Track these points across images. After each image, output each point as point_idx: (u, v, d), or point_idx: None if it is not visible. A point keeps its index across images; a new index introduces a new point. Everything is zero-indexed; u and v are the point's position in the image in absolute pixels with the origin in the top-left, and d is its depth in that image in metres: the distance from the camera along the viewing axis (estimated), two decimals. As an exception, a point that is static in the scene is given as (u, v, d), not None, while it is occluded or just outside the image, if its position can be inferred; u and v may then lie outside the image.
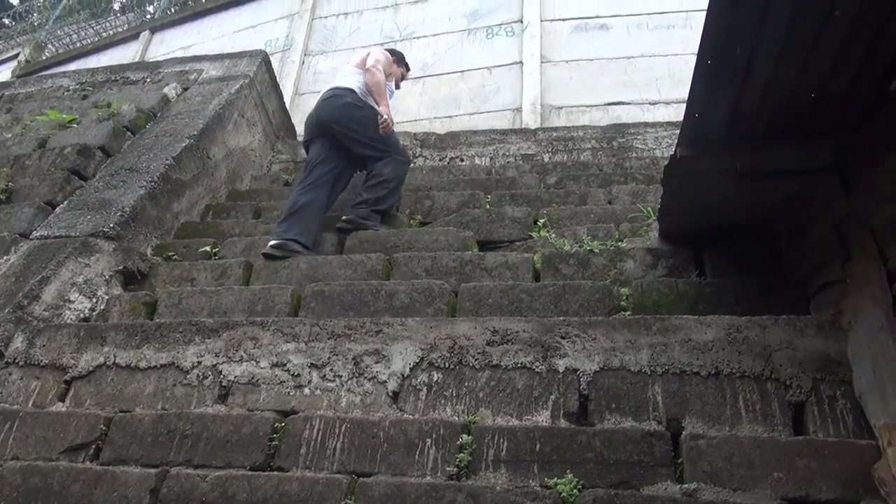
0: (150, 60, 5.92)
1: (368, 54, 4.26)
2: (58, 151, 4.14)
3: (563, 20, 6.19)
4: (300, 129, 6.12)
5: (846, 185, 2.37)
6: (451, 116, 5.90)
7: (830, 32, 1.89)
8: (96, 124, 4.40)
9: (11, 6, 24.80)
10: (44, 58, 9.46)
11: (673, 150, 4.66)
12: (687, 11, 5.98)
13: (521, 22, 6.25)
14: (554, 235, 3.49)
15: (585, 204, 3.93)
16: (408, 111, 6.06)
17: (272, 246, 3.48)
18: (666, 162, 4.45)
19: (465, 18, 6.52)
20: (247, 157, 4.93)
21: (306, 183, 3.85)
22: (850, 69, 2.03)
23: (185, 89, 5.01)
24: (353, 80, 4.17)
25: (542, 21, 6.19)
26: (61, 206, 3.80)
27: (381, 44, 6.56)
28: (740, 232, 2.98)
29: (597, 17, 6.13)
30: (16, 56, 9.56)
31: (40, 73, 6.04)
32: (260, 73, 5.12)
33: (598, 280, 2.98)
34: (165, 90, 4.87)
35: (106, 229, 3.52)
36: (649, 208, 3.57)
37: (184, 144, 4.22)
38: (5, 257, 3.45)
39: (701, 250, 3.08)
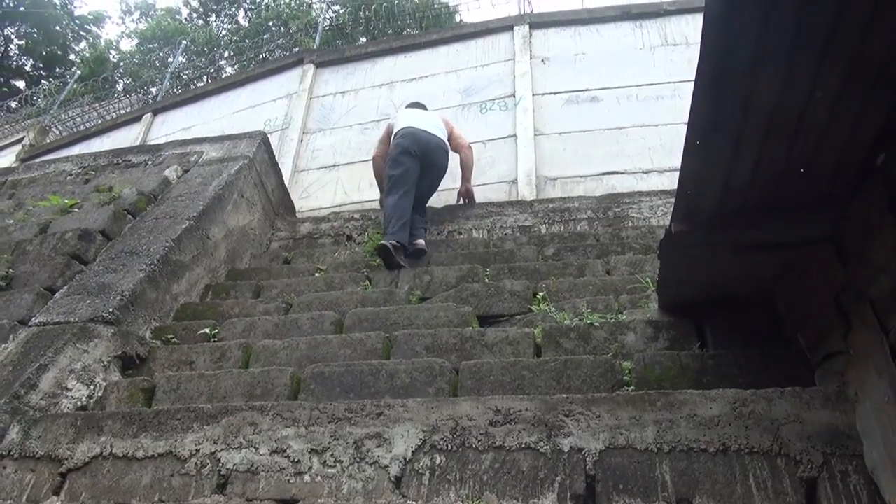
0: (152, 143, 6.04)
1: (453, 127, 5.49)
2: (59, 236, 4.18)
3: (555, 94, 6.36)
4: (300, 204, 6.22)
5: (842, 256, 2.38)
6: (447, 189, 5.94)
7: (814, 112, 1.94)
8: (97, 208, 4.46)
9: (19, 90, 25.53)
10: (48, 141, 9.66)
11: (668, 217, 4.73)
12: (675, 83, 6.15)
13: (514, 96, 6.42)
14: (554, 309, 3.48)
15: (584, 275, 3.94)
16: (405, 185, 6.15)
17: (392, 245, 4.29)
18: (662, 230, 4.50)
19: (459, 94, 6.69)
20: (246, 235, 4.97)
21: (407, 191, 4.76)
22: (836, 145, 2.07)
23: (186, 171, 5.10)
24: (443, 136, 5.23)
25: (534, 95, 6.36)
26: (61, 291, 3.81)
27: (377, 121, 6.74)
28: (740, 301, 2.98)
29: (587, 89, 6.30)
30: (20, 140, 9.77)
31: (44, 158, 6.14)
32: (259, 153, 5.22)
33: (600, 354, 2.97)
34: (166, 172, 4.95)
35: (105, 314, 3.52)
36: (648, 279, 3.59)
37: (184, 226, 4.26)
38: (3, 345, 3.43)
39: (702, 321, 3.07)
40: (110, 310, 3.55)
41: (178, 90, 14.27)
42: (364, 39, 18.00)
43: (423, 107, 5.75)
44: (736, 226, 2.39)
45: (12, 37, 24.99)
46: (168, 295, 4.05)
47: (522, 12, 7.47)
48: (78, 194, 4.88)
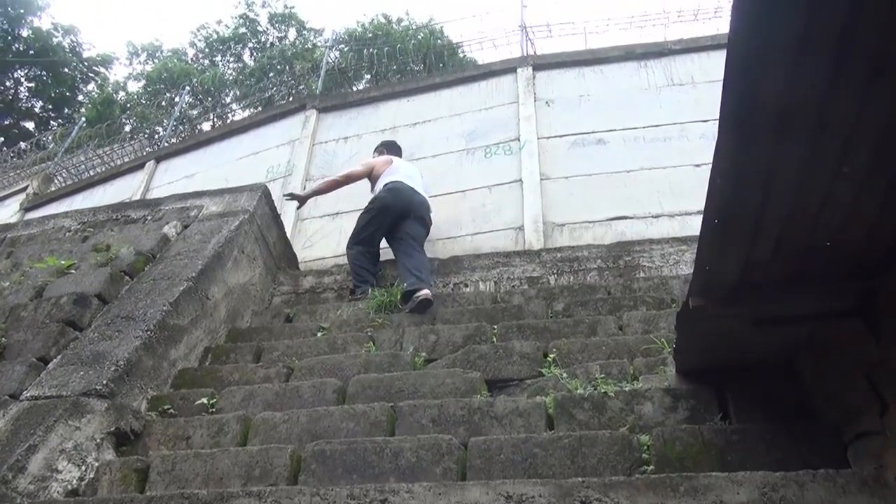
0: (154, 193, 5.98)
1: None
2: (54, 301, 4.07)
3: (560, 136, 6.27)
4: (303, 254, 6.11)
5: (873, 330, 2.23)
6: (453, 238, 5.86)
7: (840, 188, 1.81)
8: (94, 270, 4.36)
9: (29, 131, 25.79)
10: (52, 189, 9.64)
11: (680, 267, 4.58)
12: (682, 123, 6.05)
13: (519, 140, 6.32)
14: (565, 374, 3.33)
15: (596, 334, 3.79)
16: (410, 234, 6.04)
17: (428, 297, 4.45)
18: (674, 281, 4.36)
19: (462, 139, 6.61)
20: (247, 292, 4.85)
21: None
22: (864, 220, 1.93)
23: (186, 226, 5.00)
24: (426, 193, 5.60)
25: (539, 139, 6.26)
26: (55, 361, 3.68)
27: (381, 167, 6.65)
28: (763, 367, 2.83)
29: (593, 132, 6.20)
30: (24, 188, 9.75)
31: (44, 213, 6.07)
32: (260, 206, 5.13)
33: (616, 427, 2.81)
34: (165, 229, 4.86)
35: (98, 386, 3.38)
36: (663, 339, 3.44)
37: (182, 288, 4.14)
38: (-7, 422, 3.30)
39: (722, 388, 2.91)
40: (104, 382, 3.42)
41: (184, 131, 14.34)
42: (368, 76, 18.17)
43: (399, 150, 6.14)
44: (757, 299, 2.25)
45: (22, 80, 25.34)
46: (165, 361, 3.92)
47: (525, 54, 7.43)
48: (75, 254, 4.79)
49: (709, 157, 5.87)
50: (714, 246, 2.01)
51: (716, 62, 6.45)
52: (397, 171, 5.55)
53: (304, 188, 6.77)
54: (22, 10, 23.03)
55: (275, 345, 4.22)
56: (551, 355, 3.57)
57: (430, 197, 6.20)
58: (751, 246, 2.01)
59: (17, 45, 23.88)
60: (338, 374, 3.70)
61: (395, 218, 5.25)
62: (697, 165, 5.69)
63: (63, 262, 4.51)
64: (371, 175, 5.68)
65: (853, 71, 1.48)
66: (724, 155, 1.73)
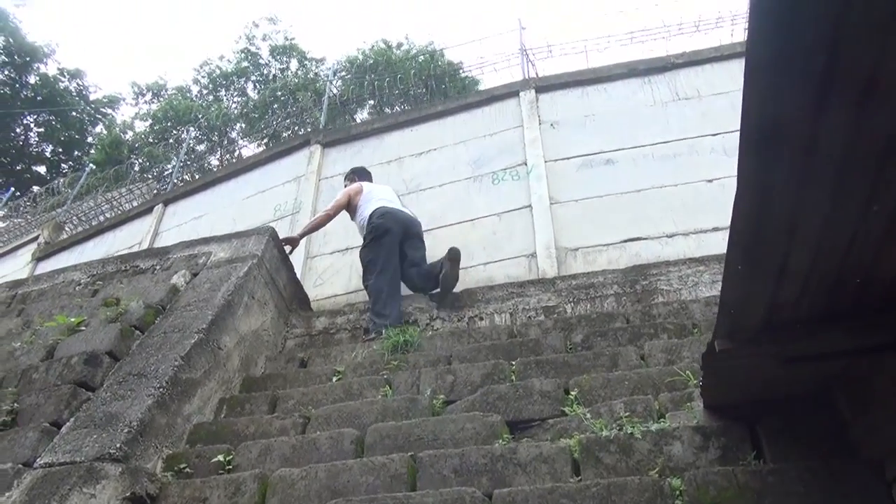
0: (159, 246, 5.93)
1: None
2: (65, 362, 4.02)
3: (567, 159, 6.18)
4: (315, 292, 6.05)
5: (913, 365, 2.12)
6: (465, 268, 5.74)
7: (870, 226, 1.71)
8: (104, 326, 4.30)
9: (41, 175, 26.09)
10: (63, 237, 9.67)
11: (699, 289, 4.47)
12: (690, 138, 5.96)
13: (526, 164, 6.25)
14: (588, 414, 3.22)
15: (617, 367, 3.68)
16: (421, 266, 5.96)
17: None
18: (694, 304, 4.24)
19: (469, 166, 6.54)
20: (259, 338, 4.78)
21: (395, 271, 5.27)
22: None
23: (195, 275, 4.95)
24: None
25: (546, 161, 6.19)
26: (67, 424, 3.61)
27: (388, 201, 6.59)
28: (796, 400, 2.71)
29: (600, 152, 6.12)
30: (36, 238, 9.79)
31: (53, 269, 6.04)
32: (268, 250, 5.07)
33: (645, 471, 2.69)
34: (174, 279, 4.81)
35: (112, 450, 3.31)
36: (688, 372, 3.32)
37: (193, 341, 4.08)
38: (7, 494, 3.23)
39: (754, 424, 2.79)
40: (118, 445, 3.35)
41: (192, 165, 14.43)
42: (371, 102, 18.24)
43: (370, 175, 6.21)
44: (786, 339, 2.15)
45: (31, 125, 25.69)
46: (179, 417, 3.84)
47: (527, 76, 7.37)
48: (85, 309, 4.74)
49: (720, 171, 5.82)
50: (738, 290, 1.91)
51: (720, 74, 6.37)
52: (374, 197, 5.67)
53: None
54: (28, 58, 23.39)
55: (290, 393, 4.13)
56: (573, 392, 3.46)
57: (439, 228, 6.16)
58: (776, 288, 1.91)
59: (25, 92, 24.24)
60: (355, 423, 3.61)
61: (398, 241, 5.39)
62: (709, 181, 5.59)
63: (73, 320, 4.46)
64: (349, 204, 5.73)
65: (883, 102, 1.39)
66: (746, 197, 1.64)
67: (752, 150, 1.53)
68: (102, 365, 4.00)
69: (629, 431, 2.95)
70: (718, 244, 5.15)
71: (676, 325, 4.01)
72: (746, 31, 1.28)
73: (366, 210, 5.54)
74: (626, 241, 5.47)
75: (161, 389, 3.74)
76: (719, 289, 4.46)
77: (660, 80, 6.55)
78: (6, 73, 23.69)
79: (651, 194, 5.69)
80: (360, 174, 6.15)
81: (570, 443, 2.98)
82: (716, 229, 5.27)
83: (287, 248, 5.51)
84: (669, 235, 5.38)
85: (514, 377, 3.81)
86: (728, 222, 5.00)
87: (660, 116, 6.24)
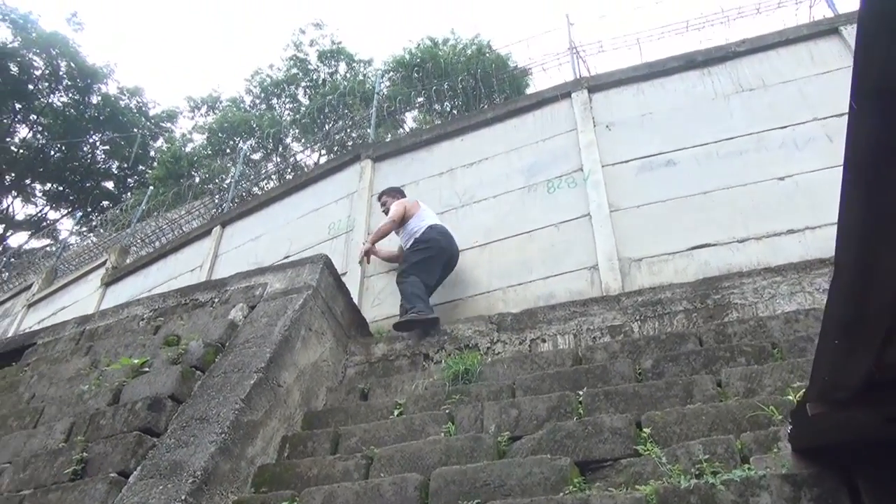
0: (217, 278, 5.94)
1: None
2: (129, 407, 4.04)
3: (626, 162, 5.91)
4: (373, 313, 5.98)
5: None
6: (523, 283, 5.59)
7: None
8: (166, 368, 4.32)
9: (109, 191, 27.08)
10: (129, 261, 9.93)
11: (777, 302, 4.18)
12: (757, 133, 5.60)
13: (582, 170, 6.00)
14: (664, 457, 3.01)
15: (692, 398, 3.46)
16: (478, 282, 5.81)
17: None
18: (773, 321, 3.96)
19: (522, 175, 6.33)
20: (319, 370, 4.73)
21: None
22: None
23: (252, 307, 4.94)
24: None
25: (603, 166, 5.93)
26: (134, 474, 3.62)
27: (441, 213, 6.47)
28: (899, 445, 2.45)
29: (660, 153, 5.82)
30: (104, 263, 10.08)
31: (117, 304, 6.15)
32: (323, 279, 5.01)
33: (731, 529, 2.48)
34: (232, 314, 4.80)
35: (178, 503, 3.30)
36: (771, 407, 3.08)
37: (252, 381, 4.05)
38: (79, 551, 3.26)
39: (851, 470, 2.54)
40: (183, 497, 3.33)
41: (249, 176, 14.63)
42: (420, 100, 18.13)
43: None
44: (890, 400, 1.92)
45: (97, 143, 26.62)
46: (243, 461, 3.81)
47: (578, 76, 7.09)
48: (148, 348, 4.79)
49: (792, 166, 5.44)
50: (834, 359, 1.70)
51: (787, 60, 5.98)
52: (431, 214, 5.99)
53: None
54: (89, 80, 24.21)
55: (352, 430, 4.06)
56: (646, 430, 3.26)
57: (495, 241, 6.01)
58: (879, 355, 1.68)
59: (89, 112, 25.12)
60: (419, 465, 3.51)
61: (446, 262, 5.73)
62: (781, 178, 5.24)
63: (137, 361, 4.51)
64: (404, 216, 5.92)
65: None
66: (845, 276, 1.42)
67: (861, 181, 1.31)
68: (165, 409, 4.01)
69: (710, 481, 2.74)
70: (794, 249, 4.83)
71: (754, 348, 3.75)
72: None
73: (422, 222, 5.82)
74: (693, 248, 5.18)
75: (223, 435, 3.71)
76: (799, 302, 4.19)
77: (720, 70, 6.19)
78: (70, 95, 24.61)
79: (717, 196, 5.37)
80: (399, 192, 6.39)
81: (646, 492, 2.79)
82: (790, 232, 4.93)
83: (368, 259, 5.96)
84: (740, 241, 5.06)
85: (581, 411, 3.63)
86: (804, 223, 4.66)
87: (722, 110, 5.89)
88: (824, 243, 4.73)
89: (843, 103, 4.76)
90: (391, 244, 6.22)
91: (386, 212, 6.18)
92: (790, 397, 3.16)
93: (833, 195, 5.08)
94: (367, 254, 5.92)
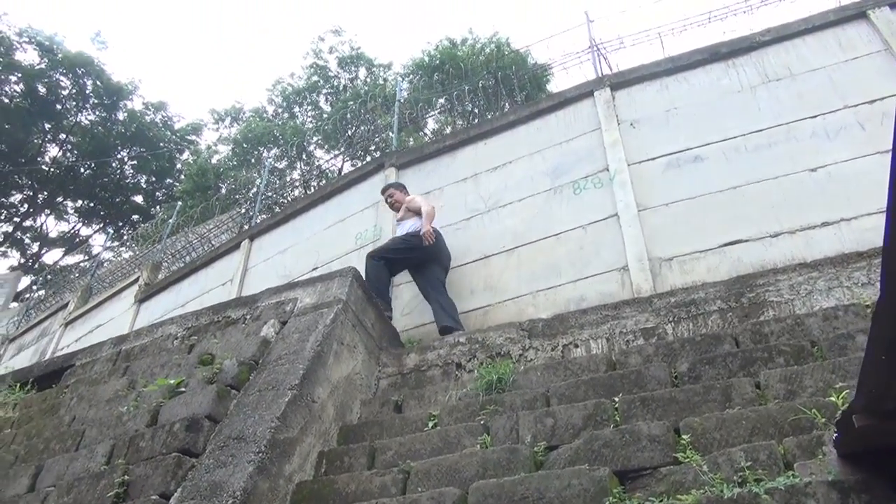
0: (248, 294, 6.00)
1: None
2: (168, 429, 4.09)
3: (652, 160, 5.83)
4: (403, 322, 6.00)
5: None
6: (553, 287, 5.54)
7: None
8: (202, 388, 4.37)
9: (138, 204, 27.56)
10: (161, 277, 10.08)
11: (814, 298, 4.09)
12: (787, 123, 5.48)
13: (608, 170, 5.93)
14: (705, 465, 2.96)
15: (731, 402, 3.39)
16: (507, 288, 5.79)
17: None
18: (810, 319, 3.87)
19: (547, 177, 6.28)
20: (352, 383, 4.74)
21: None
22: None
23: (283, 323, 4.97)
24: None
25: (629, 165, 5.85)
26: (175, 495, 3.66)
27: (467, 219, 6.45)
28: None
29: (687, 149, 5.73)
30: (136, 280, 10.25)
31: (152, 323, 6.24)
32: (353, 292, 5.03)
33: (779, 540, 2.43)
34: (264, 331, 4.84)
35: (219, 525, 3.33)
36: (814, 410, 3.01)
37: (287, 398, 4.08)
38: (124, 574, 3.30)
39: (901, 476, 2.47)
40: (223, 519, 3.36)
41: (275, 184, 14.77)
42: (441, 101, 18.11)
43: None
44: (942, 410, 1.85)
45: (125, 159, 27.09)
46: (281, 479, 3.84)
47: (599, 74, 7.00)
48: (183, 368, 4.85)
49: (824, 157, 5.37)
50: (881, 374, 1.65)
51: (814, 48, 5.84)
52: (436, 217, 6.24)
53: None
54: (115, 97, 24.66)
55: (387, 443, 4.06)
56: (685, 436, 3.20)
57: (523, 245, 5.98)
58: (930, 366, 1.63)
59: (116, 129, 25.59)
60: (456, 479, 3.49)
61: (425, 260, 5.96)
62: (813, 170, 5.12)
63: (173, 382, 4.56)
64: (409, 209, 6.24)
65: None
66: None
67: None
68: (203, 429, 4.05)
69: (754, 490, 2.68)
70: (830, 242, 4.72)
71: (793, 347, 3.67)
72: None
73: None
74: (724, 245, 5.09)
75: (260, 454, 3.74)
76: (837, 298, 4.09)
77: (745, 61, 6.07)
78: (97, 113, 25.09)
79: (748, 190, 5.27)
80: (403, 187, 6.69)
81: (689, 502, 2.74)
82: (825, 224, 4.82)
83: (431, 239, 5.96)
84: (773, 235, 4.96)
85: (617, 418, 3.59)
86: (839, 215, 4.55)
87: (749, 102, 5.78)
88: (860, 235, 4.62)
89: (875, 89, 4.70)
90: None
91: (391, 205, 6.52)
92: (833, 398, 3.09)
93: (868, 184, 5.02)
94: (428, 236, 5.89)
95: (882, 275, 1.33)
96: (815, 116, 5.40)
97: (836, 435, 2.42)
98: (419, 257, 5.93)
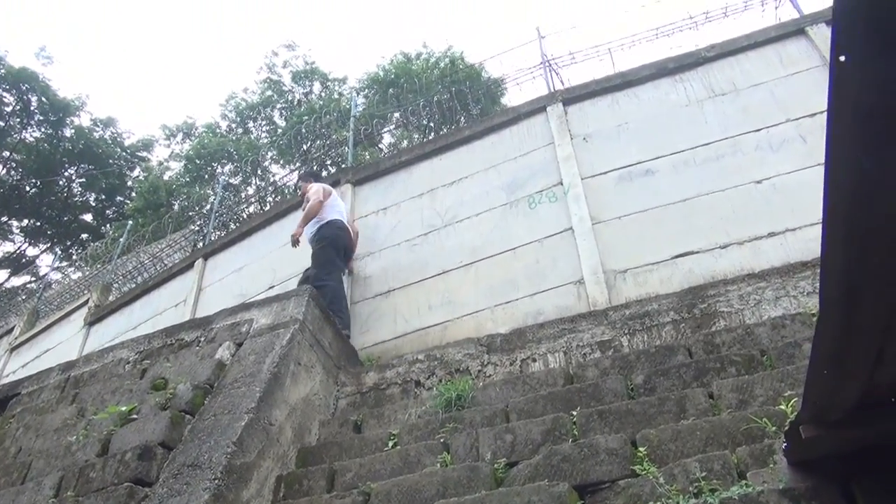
0: (202, 316, 5.89)
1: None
2: (119, 458, 3.97)
3: (604, 174, 5.92)
4: (361, 339, 5.98)
5: None
6: (511, 301, 5.57)
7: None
8: (155, 414, 4.26)
9: (87, 223, 26.83)
10: (111, 299, 9.80)
11: (763, 308, 4.19)
12: (733, 137, 5.64)
13: (562, 184, 6.01)
14: (661, 477, 3.00)
15: (685, 412, 3.46)
16: (466, 303, 5.79)
17: None
18: (760, 329, 3.97)
19: (503, 192, 6.33)
20: (310, 404, 4.68)
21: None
22: None
23: (239, 345, 4.89)
24: None
25: (582, 179, 5.94)
26: (127, 529, 3.56)
27: (425, 234, 6.45)
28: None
29: (638, 163, 5.84)
30: (86, 302, 9.95)
31: (102, 348, 6.07)
32: (310, 311, 4.97)
33: (734, 550, 2.47)
34: (219, 353, 4.75)
35: (174, 559, 3.24)
36: (765, 419, 3.08)
37: (243, 422, 4.00)
38: None
39: (849, 481, 2.54)
40: (178, 551, 3.27)
41: (230, 200, 14.52)
42: (397, 115, 18.12)
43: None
44: (882, 419, 1.92)
45: (73, 176, 26.35)
46: (238, 506, 3.76)
47: (552, 89, 7.10)
48: (136, 393, 4.72)
49: (768, 169, 5.52)
50: (824, 387, 1.70)
51: (757, 63, 6.04)
52: (339, 207, 6.49)
53: (353, 268, 6.63)
54: (62, 113, 23.99)
55: (347, 465, 4.01)
56: (641, 449, 3.25)
57: (481, 260, 6.00)
58: (870, 378, 1.69)
59: (62, 146, 24.88)
60: (416, 500, 3.46)
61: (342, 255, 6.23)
62: (759, 182, 5.28)
63: (124, 408, 4.44)
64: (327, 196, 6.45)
65: None
66: (834, 281, 1.42)
67: (842, 215, 1.30)
68: (156, 457, 3.95)
69: (709, 501, 2.73)
70: (776, 252, 4.86)
71: (744, 357, 3.76)
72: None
73: (328, 213, 6.29)
74: (676, 256, 5.19)
75: (216, 481, 3.65)
76: (784, 307, 4.21)
77: (692, 76, 6.24)
78: (43, 130, 24.36)
79: (697, 203, 5.40)
80: (316, 177, 7.01)
81: (647, 515, 2.78)
82: (771, 234, 4.96)
83: (297, 243, 6.31)
84: (723, 246, 5.09)
85: (576, 432, 3.62)
86: (783, 226, 4.68)
87: (697, 116, 5.93)
88: (805, 245, 4.76)
89: (815, 103, 4.84)
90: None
91: (302, 196, 6.75)
92: (783, 407, 3.18)
93: (810, 195, 5.16)
94: (296, 238, 6.28)
95: (820, 293, 1.37)
96: (760, 130, 5.56)
97: (785, 444, 2.49)
98: (340, 253, 6.17)
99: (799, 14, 6.60)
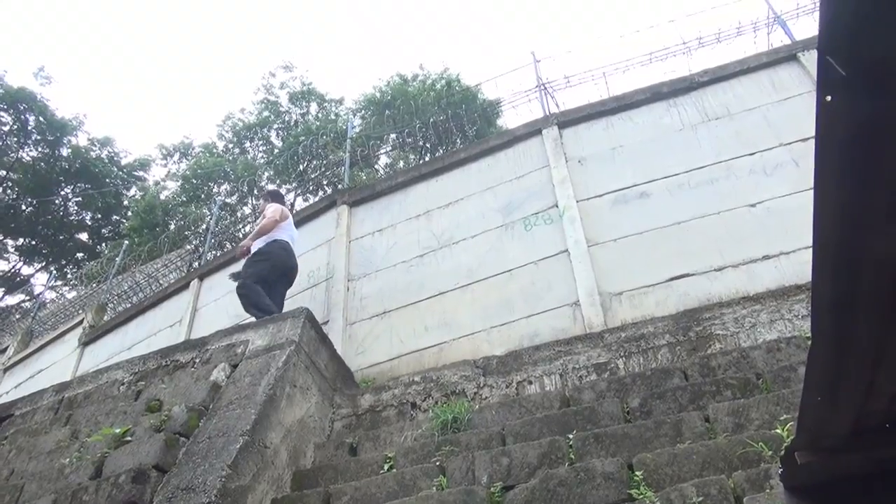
0: (197, 337, 5.88)
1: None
2: (113, 481, 3.94)
3: (600, 196, 5.97)
4: (357, 361, 5.97)
5: None
6: (507, 323, 5.58)
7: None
8: (149, 437, 4.24)
9: (83, 242, 26.77)
10: (106, 319, 9.78)
11: (758, 330, 4.21)
12: (726, 161, 5.70)
13: (557, 206, 6.05)
14: (658, 500, 3.00)
15: (682, 436, 3.46)
16: (462, 325, 5.80)
17: None
18: (755, 352, 3.98)
19: (499, 214, 6.37)
20: (305, 426, 4.67)
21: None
22: None
23: (234, 367, 4.88)
24: None
25: (578, 202, 5.98)
26: (120, 554, 3.53)
27: (421, 255, 6.47)
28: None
29: (633, 185, 5.89)
30: (81, 322, 9.92)
31: (97, 369, 6.04)
32: (305, 332, 4.97)
33: (731, 576, 2.47)
34: (214, 375, 4.74)
35: (167, 584, 3.21)
36: (761, 443, 3.09)
37: (238, 445, 3.98)
38: None
39: (844, 506, 2.54)
40: (172, 577, 3.24)
41: (226, 219, 14.55)
42: (393, 136, 18.23)
43: (283, 199, 7.13)
44: (877, 444, 1.93)
45: (69, 196, 26.36)
46: (234, 529, 3.73)
47: (547, 112, 7.17)
48: (130, 415, 4.70)
49: (762, 193, 5.56)
50: (818, 414, 1.71)
51: (749, 88, 6.12)
52: (291, 230, 6.54)
53: (348, 289, 6.64)
54: (59, 133, 24.06)
55: (342, 488, 3.99)
56: (638, 473, 3.24)
57: (476, 282, 6.01)
58: (864, 405, 1.70)
59: (59, 165, 24.91)
60: (413, 526, 3.45)
61: (280, 274, 6.24)
62: (753, 205, 5.32)
63: (118, 431, 4.41)
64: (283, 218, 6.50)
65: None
66: (825, 313, 1.43)
67: (830, 251, 1.32)
68: (150, 480, 3.92)
69: (707, 526, 2.73)
70: (771, 275, 4.89)
71: (739, 380, 3.77)
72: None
73: (279, 233, 6.35)
74: (671, 279, 5.22)
75: (211, 505, 3.63)
76: (779, 330, 4.22)
77: (686, 101, 6.31)
78: (40, 149, 24.41)
79: (692, 226, 5.44)
80: (274, 196, 6.95)
81: (645, 542, 2.77)
82: (766, 258, 5.00)
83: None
84: (718, 269, 5.12)
85: (572, 455, 3.61)
86: (778, 249, 4.71)
87: (691, 140, 5.99)
88: (800, 268, 4.79)
89: (807, 127, 4.91)
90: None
91: (260, 213, 6.86)
92: (778, 430, 3.19)
93: (804, 218, 5.19)
94: (244, 250, 6.38)
95: (812, 325, 1.39)
96: (753, 154, 5.62)
97: (780, 470, 2.49)
98: (278, 273, 6.20)
99: (791, 40, 6.70)
